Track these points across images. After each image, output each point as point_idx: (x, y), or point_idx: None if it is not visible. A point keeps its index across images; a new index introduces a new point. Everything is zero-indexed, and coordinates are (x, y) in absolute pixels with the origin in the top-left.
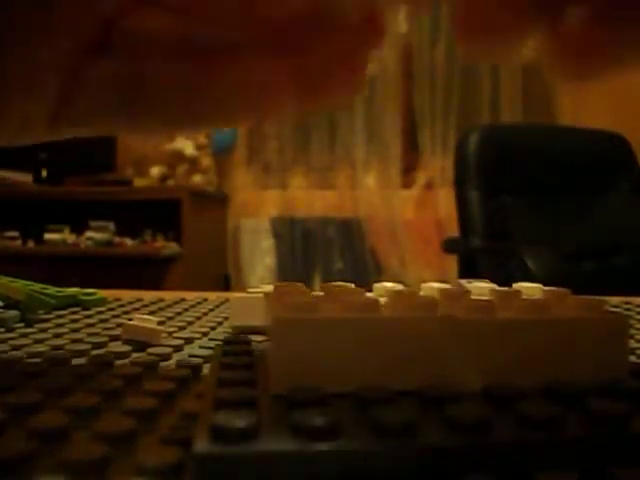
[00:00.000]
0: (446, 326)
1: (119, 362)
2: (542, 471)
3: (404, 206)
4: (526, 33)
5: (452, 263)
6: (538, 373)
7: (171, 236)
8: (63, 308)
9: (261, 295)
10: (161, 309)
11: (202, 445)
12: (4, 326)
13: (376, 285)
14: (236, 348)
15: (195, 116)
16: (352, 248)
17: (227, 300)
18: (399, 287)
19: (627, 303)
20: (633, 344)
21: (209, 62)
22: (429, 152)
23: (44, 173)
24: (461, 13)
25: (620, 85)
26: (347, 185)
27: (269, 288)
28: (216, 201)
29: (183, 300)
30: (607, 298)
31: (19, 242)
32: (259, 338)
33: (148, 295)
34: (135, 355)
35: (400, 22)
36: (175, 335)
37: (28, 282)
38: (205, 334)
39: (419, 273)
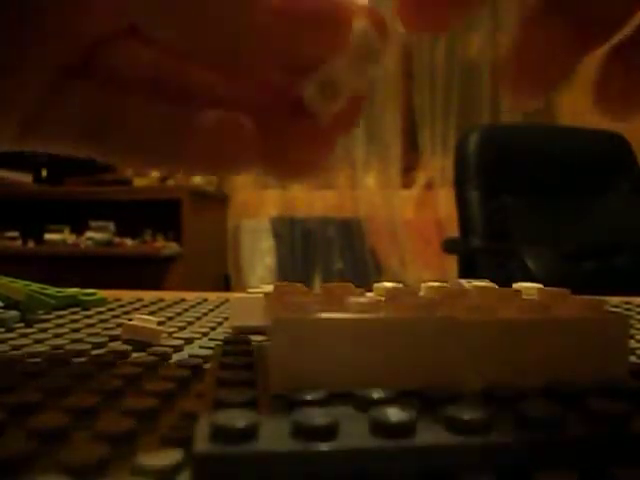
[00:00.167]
0: (446, 326)
1: (119, 362)
2: (542, 471)
3: (404, 206)
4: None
5: (452, 263)
6: (538, 373)
7: (171, 236)
8: (63, 308)
9: (261, 295)
10: (161, 309)
11: (202, 445)
12: (4, 326)
13: (376, 285)
14: (236, 348)
15: (161, 157)
16: (352, 248)
17: (227, 300)
18: (399, 287)
19: (627, 303)
20: (633, 344)
21: (182, 105)
22: (429, 152)
23: (44, 173)
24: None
25: None
26: (347, 185)
27: (269, 288)
28: (216, 201)
29: (183, 300)
30: (607, 298)
31: (19, 242)
32: (259, 338)
33: (148, 295)
34: (135, 355)
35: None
36: (175, 335)
37: (28, 282)
38: (205, 334)
39: (419, 273)
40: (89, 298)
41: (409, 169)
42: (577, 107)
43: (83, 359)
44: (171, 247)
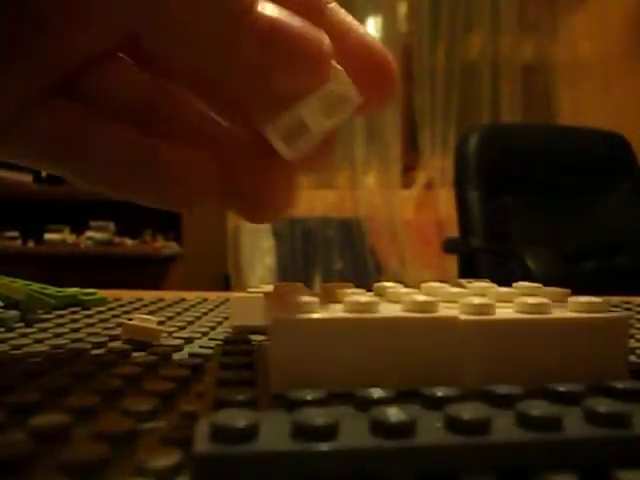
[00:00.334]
0: (446, 326)
1: (119, 362)
2: (542, 471)
3: (404, 206)
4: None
5: (452, 263)
6: (538, 373)
7: (171, 236)
8: (63, 308)
9: (261, 295)
10: (161, 309)
11: (202, 445)
12: (4, 326)
13: (376, 285)
14: (236, 348)
15: (126, 185)
16: (352, 248)
17: (227, 300)
18: (399, 287)
19: (627, 303)
20: (633, 344)
21: (153, 135)
22: (429, 152)
23: (44, 173)
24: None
25: (620, 85)
26: (347, 185)
27: (269, 288)
28: None
29: (183, 300)
30: (607, 298)
31: (19, 242)
32: (259, 338)
33: (148, 295)
34: (135, 355)
35: (400, 22)
36: (175, 335)
37: (28, 282)
38: (205, 334)
39: (419, 273)
40: (89, 298)
41: (409, 169)
42: (577, 107)
43: (83, 359)
44: (171, 247)
